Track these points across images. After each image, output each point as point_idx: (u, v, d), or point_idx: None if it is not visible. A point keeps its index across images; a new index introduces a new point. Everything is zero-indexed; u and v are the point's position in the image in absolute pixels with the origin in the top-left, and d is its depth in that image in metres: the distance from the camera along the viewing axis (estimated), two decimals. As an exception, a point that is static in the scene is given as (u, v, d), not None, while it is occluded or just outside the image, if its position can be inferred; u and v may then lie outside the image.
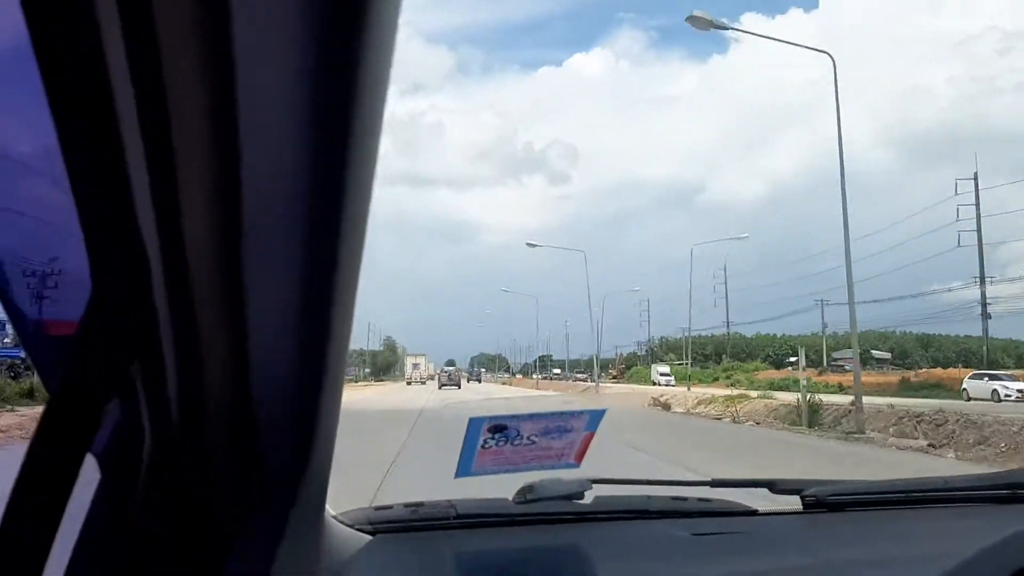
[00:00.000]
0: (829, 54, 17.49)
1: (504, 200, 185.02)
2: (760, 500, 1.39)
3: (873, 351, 60.67)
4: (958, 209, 44.75)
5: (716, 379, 53.04)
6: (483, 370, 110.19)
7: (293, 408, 0.71)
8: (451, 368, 68.67)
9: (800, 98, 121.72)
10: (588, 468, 1.28)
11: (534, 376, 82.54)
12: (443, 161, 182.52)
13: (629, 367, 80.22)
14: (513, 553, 1.21)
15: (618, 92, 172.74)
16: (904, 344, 67.98)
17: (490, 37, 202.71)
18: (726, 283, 60.57)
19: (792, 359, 37.90)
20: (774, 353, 68.23)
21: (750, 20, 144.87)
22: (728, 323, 61.78)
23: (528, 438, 1.20)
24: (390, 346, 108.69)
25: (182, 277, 0.58)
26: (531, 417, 1.20)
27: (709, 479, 1.40)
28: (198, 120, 0.51)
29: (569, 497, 1.29)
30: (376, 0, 0.50)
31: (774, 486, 1.37)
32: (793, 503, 1.37)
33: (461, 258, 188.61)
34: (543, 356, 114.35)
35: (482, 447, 1.17)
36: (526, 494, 1.28)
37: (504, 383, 78.71)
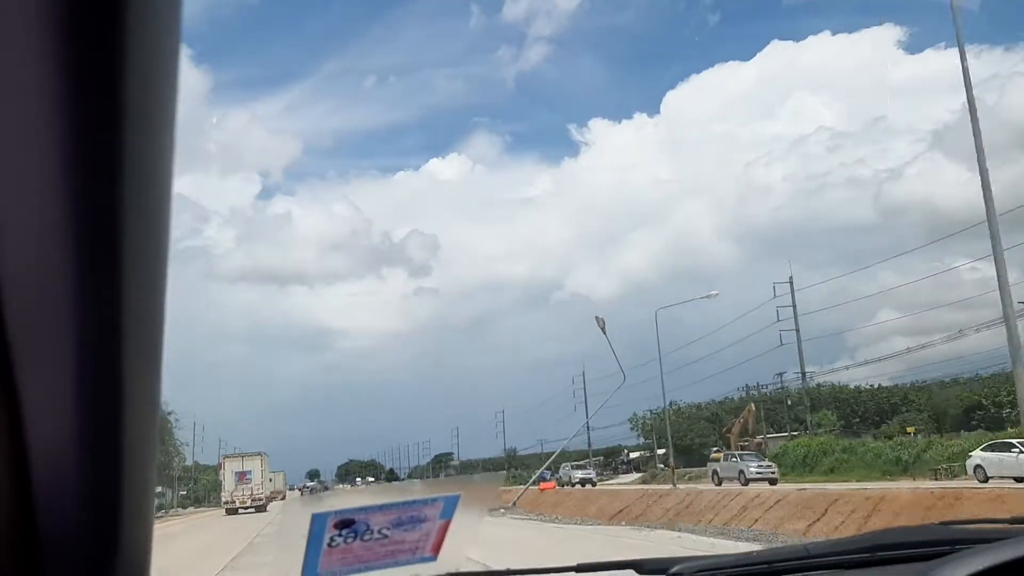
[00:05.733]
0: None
1: (364, 300, 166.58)
2: None
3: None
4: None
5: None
6: (360, 480, 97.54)
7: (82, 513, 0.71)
8: (312, 483, 66.43)
9: (646, 196, 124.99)
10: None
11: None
12: (292, 255, 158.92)
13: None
14: None
15: (476, 194, 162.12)
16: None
17: (343, 142, 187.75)
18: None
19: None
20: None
21: (598, 125, 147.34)
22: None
23: (379, 531, 1.16)
24: (167, 429, 58.14)
25: None
26: (381, 508, 1.16)
27: (575, 564, 1.41)
28: None
29: None
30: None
31: (640, 567, 1.38)
32: None
33: (322, 366, 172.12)
34: (441, 456, 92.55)
35: (328, 545, 1.11)
36: None
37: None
